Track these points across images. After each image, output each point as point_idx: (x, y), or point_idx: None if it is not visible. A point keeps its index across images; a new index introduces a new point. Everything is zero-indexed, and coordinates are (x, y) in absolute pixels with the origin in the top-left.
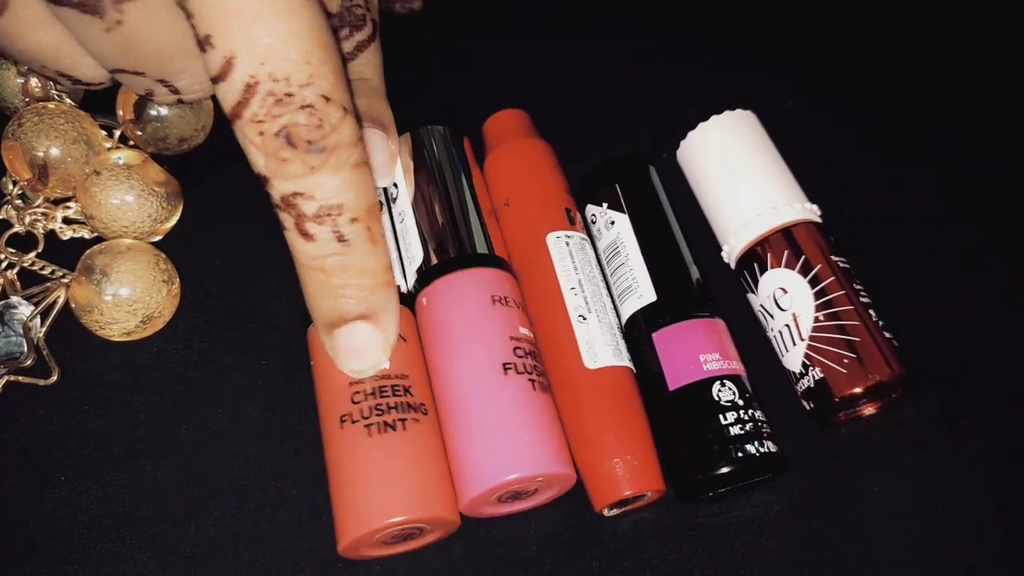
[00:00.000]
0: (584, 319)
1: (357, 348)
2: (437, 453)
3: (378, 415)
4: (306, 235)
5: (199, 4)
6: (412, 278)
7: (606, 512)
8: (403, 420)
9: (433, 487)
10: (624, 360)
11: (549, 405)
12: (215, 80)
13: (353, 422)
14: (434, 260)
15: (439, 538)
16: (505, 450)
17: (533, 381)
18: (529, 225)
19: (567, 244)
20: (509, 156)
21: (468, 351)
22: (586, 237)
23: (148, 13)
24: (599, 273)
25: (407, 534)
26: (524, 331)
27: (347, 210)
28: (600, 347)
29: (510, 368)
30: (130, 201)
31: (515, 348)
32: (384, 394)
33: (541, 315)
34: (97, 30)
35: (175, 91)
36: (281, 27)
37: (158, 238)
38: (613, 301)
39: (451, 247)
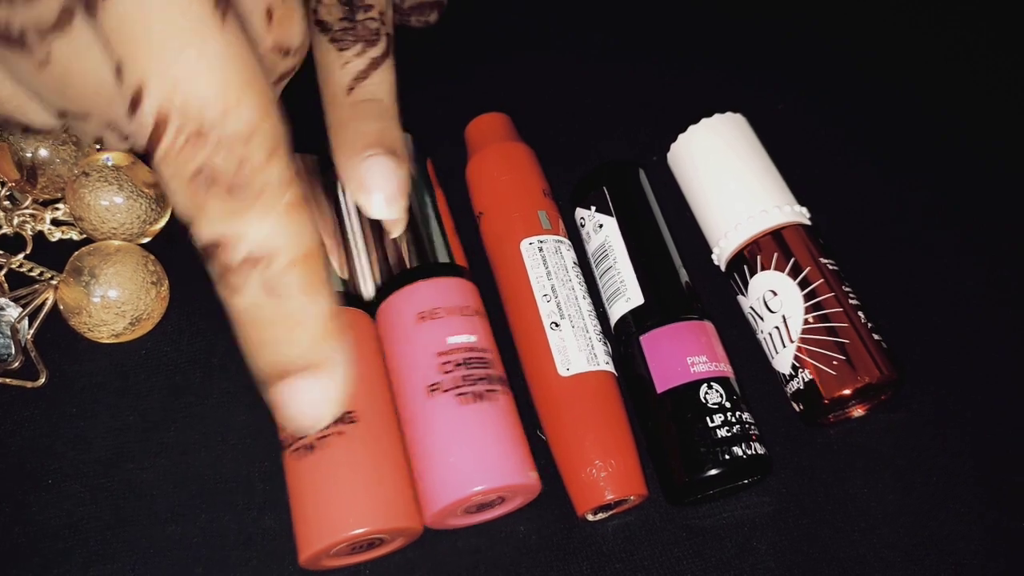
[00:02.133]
0: (557, 326)
1: (300, 404)
2: (367, 462)
3: (300, 436)
4: (233, 287)
5: (111, 31)
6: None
7: (590, 517)
8: (323, 437)
9: (363, 500)
10: (601, 365)
11: (488, 415)
12: (129, 112)
13: (287, 447)
14: (376, 290)
15: (405, 542)
16: (439, 474)
17: (464, 394)
18: (504, 232)
19: (540, 250)
20: (485, 162)
21: (398, 377)
22: (563, 240)
23: (75, 48)
24: (576, 277)
25: (366, 543)
26: (457, 340)
27: (277, 259)
28: (574, 354)
29: (435, 388)
30: (119, 202)
31: (443, 363)
32: None
33: (516, 323)
34: (29, 67)
35: (125, 136)
36: (190, 55)
37: (147, 239)
38: (602, 304)
39: (385, 271)
